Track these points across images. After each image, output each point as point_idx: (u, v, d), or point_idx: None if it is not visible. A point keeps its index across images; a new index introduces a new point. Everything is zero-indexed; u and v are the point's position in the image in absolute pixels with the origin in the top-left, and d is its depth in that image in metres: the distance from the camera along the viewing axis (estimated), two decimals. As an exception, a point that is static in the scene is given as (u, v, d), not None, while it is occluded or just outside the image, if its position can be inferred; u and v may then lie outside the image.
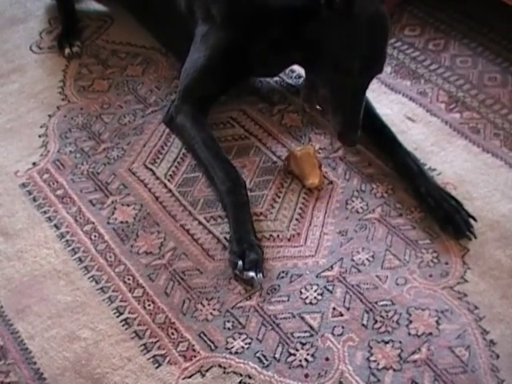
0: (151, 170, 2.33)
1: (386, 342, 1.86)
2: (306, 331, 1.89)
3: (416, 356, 1.83)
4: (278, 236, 2.12)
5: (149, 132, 2.45)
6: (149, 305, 1.98)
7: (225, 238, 2.11)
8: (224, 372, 1.82)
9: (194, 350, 1.87)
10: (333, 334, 1.88)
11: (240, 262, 1.99)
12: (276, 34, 2.22)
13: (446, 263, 2.03)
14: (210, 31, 2.33)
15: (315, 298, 1.96)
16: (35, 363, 1.87)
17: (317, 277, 2.01)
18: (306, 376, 1.80)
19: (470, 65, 2.66)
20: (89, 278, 2.05)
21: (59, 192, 2.29)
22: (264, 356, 1.85)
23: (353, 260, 2.04)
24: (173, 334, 1.91)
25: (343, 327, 1.89)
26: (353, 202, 2.20)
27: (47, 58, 2.82)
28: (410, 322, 1.90)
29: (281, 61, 2.39)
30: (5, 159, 2.40)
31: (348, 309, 1.93)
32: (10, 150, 2.44)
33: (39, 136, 2.48)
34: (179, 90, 2.40)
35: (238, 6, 2.26)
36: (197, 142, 2.29)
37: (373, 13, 2.10)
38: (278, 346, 1.87)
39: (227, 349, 1.87)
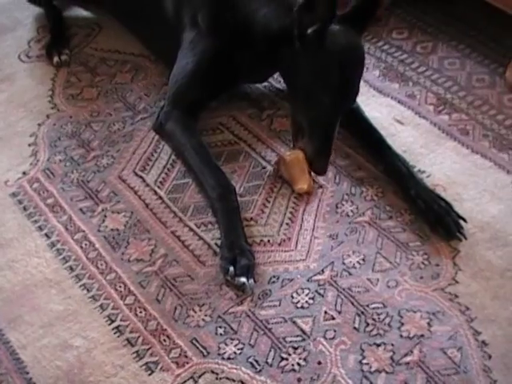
0: (141, 177, 2.33)
1: (378, 345, 1.86)
2: (298, 335, 1.89)
3: (408, 358, 1.83)
4: (268, 241, 2.12)
5: (138, 139, 2.45)
6: (140, 312, 1.98)
7: (216, 244, 2.11)
8: (217, 378, 1.82)
9: (186, 357, 1.87)
10: (325, 337, 1.88)
11: (231, 268, 1.99)
12: (257, 48, 2.23)
13: (437, 265, 2.03)
14: (197, 37, 2.34)
15: (307, 302, 1.96)
16: (28, 373, 1.87)
17: (308, 281, 2.01)
18: (299, 380, 1.81)
19: (458, 67, 2.67)
20: (80, 286, 2.05)
21: (49, 201, 2.29)
22: (256, 361, 1.85)
23: (344, 263, 2.04)
24: (165, 340, 1.91)
25: (335, 331, 1.90)
26: (343, 205, 2.20)
27: (36, 66, 2.83)
28: (402, 324, 1.90)
29: (267, 69, 2.40)
30: (-5, 169, 2.41)
31: (340, 312, 1.94)
32: (-1, 159, 2.44)
33: (29, 145, 2.48)
34: (168, 96, 2.40)
35: (220, 18, 2.28)
36: (187, 148, 2.29)
37: (346, 46, 2.11)
38: (270, 350, 1.87)
39: (219, 354, 1.87)
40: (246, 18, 2.22)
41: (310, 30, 2.08)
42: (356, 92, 2.17)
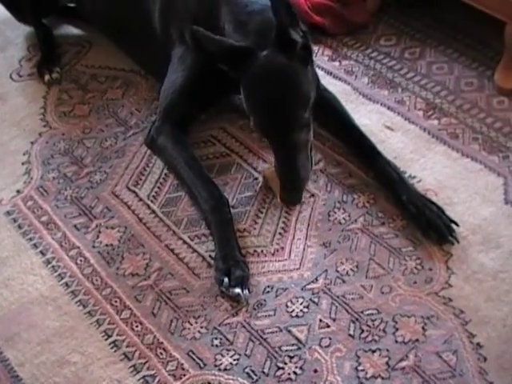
0: (134, 191, 2.35)
1: (374, 351, 1.87)
2: (293, 344, 1.90)
3: (404, 363, 1.84)
4: (262, 251, 2.13)
5: (130, 154, 2.47)
6: (136, 326, 1.99)
7: (210, 256, 2.12)
8: (214, 389, 1.84)
9: (183, 369, 1.88)
10: (320, 345, 1.89)
11: (226, 279, 2.00)
12: None
13: (430, 269, 2.04)
14: (186, 52, 2.36)
15: (301, 310, 1.97)
16: (26, 390, 1.89)
17: (302, 290, 2.02)
18: (296, 389, 1.82)
19: (446, 71, 2.67)
20: (76, 302, 2.07)
21: (44, 218, 2.30)
22: (253, 371, 1.86)
23: (337, 271, 2.05)
24: (161, 353, 1.92)
25: (330, 338, 1.90)
26: (335, 213, 2.21)
27: (27, 85, 2.85)
28: (397, 329, 1.91)
29: None
30: (-11, 188, 2.43)
31: (334, 320, 1.94)
32: (-7, 178, 2.46)
33: (22, 163, 2.50)
34: (159, 110, 2.42)
35: None
36: (179, 162, 2.31)
37: (272, 70, 2.07)
38: (266, 360, 1.88)
39: (216, 366, 1.88)
40: (222, 35, 2.22)
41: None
42: (286, 117, 2.06)
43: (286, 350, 1.89)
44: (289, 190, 2.10)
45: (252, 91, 2.12)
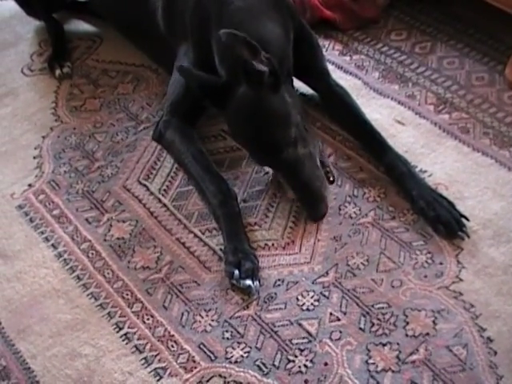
0: (145, 185, 2.36)
1: (384, 345, 1.87)
2: (304, 337, 1.91)
3: (414, 357, 1.84)
4: (272, 245, 2.14)
5: (141, 148, 2.48)
6: (148, 319, 2.00)
7: (220, 250, 2.13)
8: (224, 382, 1.84)
9: (194, 362, 1.89)
10: (331, 338, 1.90)
11: (236, 272, 2.01)
12: None
13: (441, 263, 2.04)
14: (190, 49, 2.37)
15: (312, 304, 1.98)
16: (38, 382, 1.90)
17: (313, 283, 2.02)
18: (306, 382, 1.82)
19: (457, 66, 2.67)
20: (88, 295, 2.08)
21: (55, 212, 2.31)
22: (263, 364, 1.86)
23: (348, 265, 2.06)
24: (173, 346, 1.93)
25: (341, 332, 1.91)
26: (346, 207, 2.21)
27: (39, 80, 2.87)
28: (407, 323, 1.91)
29: None
30: (0, 182, 2.44)
31: (345, 313, 1.95)
32: (5, 172, 2.48)
33: (34, 157, 2.51)
34: (166, 105, 2.44)
35: (199, 33, 2.31)
36: (186, 156, 2.32)
37: (244, 108, 2.11)
38: (276, 353, 1.88)
39: (227, 358, 1.89)
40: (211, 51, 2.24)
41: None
42: (270, 145, 2.11)
43: (297, 343, 1.90)
44: (308, 205, 2.16)
45: (233, 130, 2.24)
